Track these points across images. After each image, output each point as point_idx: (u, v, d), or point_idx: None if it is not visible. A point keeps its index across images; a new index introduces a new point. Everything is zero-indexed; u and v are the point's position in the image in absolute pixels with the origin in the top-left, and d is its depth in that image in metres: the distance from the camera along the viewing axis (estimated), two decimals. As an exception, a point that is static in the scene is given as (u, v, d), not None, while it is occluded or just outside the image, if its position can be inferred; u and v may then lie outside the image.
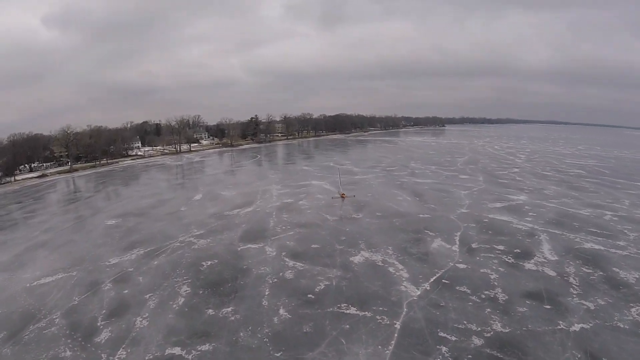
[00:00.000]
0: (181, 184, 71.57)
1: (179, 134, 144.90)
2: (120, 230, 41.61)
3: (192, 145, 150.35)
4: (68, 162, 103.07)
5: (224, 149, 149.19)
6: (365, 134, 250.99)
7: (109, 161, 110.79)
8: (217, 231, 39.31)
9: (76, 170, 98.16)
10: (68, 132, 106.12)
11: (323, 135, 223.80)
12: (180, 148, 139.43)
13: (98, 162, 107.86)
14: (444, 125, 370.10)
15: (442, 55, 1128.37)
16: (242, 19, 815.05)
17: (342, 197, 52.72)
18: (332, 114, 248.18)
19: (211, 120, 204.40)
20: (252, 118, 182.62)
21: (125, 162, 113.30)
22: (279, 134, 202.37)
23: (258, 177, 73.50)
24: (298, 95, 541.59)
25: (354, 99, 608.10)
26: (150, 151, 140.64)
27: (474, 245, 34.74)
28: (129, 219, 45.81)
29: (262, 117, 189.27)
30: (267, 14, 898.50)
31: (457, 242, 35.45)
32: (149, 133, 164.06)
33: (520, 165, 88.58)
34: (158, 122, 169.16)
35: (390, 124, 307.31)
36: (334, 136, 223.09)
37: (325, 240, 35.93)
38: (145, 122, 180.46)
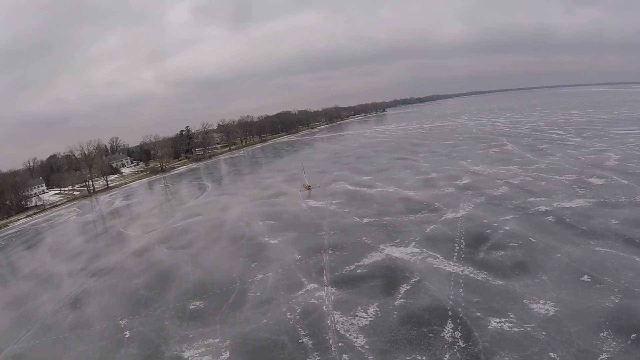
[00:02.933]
0: (85, 294, 32.54)
1: (89, 167, 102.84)
2: None
3: (111, 177, 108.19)
4: None
5: (154, 176, 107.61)
6: (315, 130, 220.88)
7: (-5, 224, 73.75)
8: None
9: None
10: None
11: (270, 139, 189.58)
12: (94, 186, 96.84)
13: (-20, 229, 69.83)
14: (384, 110, 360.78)
15: (360, 43, 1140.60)
16: (147, 29, 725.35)
17: (308, 189, 50.22)
18: (261, 115, 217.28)
19: (132, 142, 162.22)
20: (182, 131, 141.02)
21: (19, 220, 77.03)
22: (219, 146, 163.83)
23: (241, 250, 35.84)
24: (222, 100, 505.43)
25: (281, 97, 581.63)
26: (58, 195, 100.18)
27: None
28: None
29: (196, 128, 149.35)
30: (173, 21, 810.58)
31: None
32: (57, 170, 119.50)
33: (598, 149, 63.66)
34: (68, 154, 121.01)
35: (334, 116, 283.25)
36: (283, 138, 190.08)
37: None
38: (52, 157, 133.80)
